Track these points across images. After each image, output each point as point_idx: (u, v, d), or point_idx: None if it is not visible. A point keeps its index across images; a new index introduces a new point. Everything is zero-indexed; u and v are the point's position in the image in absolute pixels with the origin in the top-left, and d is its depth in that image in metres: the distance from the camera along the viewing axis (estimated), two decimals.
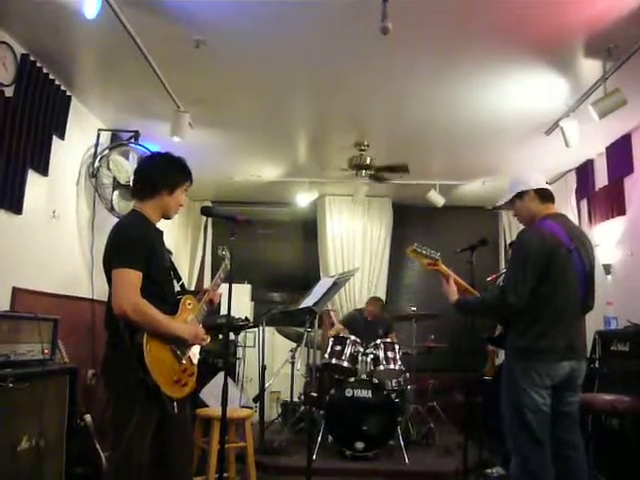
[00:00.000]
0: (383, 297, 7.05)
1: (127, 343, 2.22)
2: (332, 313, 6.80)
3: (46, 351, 3.17)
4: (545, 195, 2.83)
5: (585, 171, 5.48)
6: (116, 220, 4.55)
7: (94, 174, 4.50)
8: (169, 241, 2.66)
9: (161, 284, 2.44)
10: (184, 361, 2.43)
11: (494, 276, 4.83)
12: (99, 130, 4.72)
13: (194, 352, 2.53)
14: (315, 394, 4.21)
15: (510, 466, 2.73)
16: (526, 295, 2.58)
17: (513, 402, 2.65)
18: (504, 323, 2.87)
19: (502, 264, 7.30)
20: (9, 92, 3.45)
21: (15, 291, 3.54)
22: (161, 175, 2.54)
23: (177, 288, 2.63)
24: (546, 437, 2.59)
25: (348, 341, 5.19)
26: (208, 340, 2.55)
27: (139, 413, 2.25)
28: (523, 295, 2.58)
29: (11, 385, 2.69)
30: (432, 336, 6.11)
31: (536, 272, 2.59)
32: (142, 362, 2.21)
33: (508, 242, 7.22)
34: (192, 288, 6.75)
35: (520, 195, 2.87)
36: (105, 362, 2.42)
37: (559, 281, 2.63)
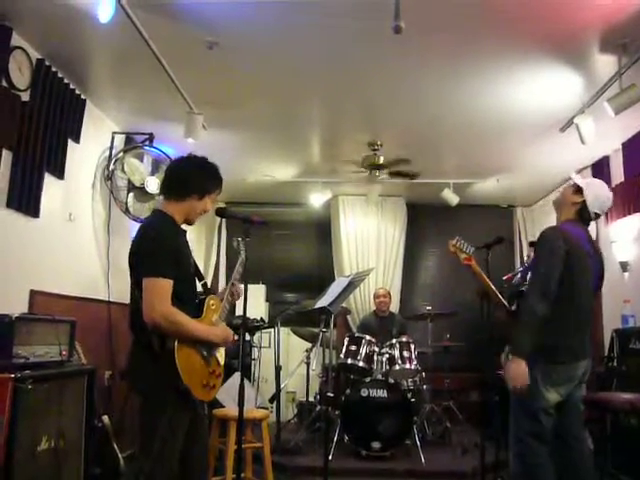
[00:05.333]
0: (398, 297, 7.05)
1: (157, 348, 2.22)
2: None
3: (64, 353, 3.20)
4: (583, 214, 2.84)
5: (601, 168, 5.42)
6: (131, 222, 4.66)
7: (109, 177, 4.54)
8: None
9: (186, 286, 2.41)
10: (212, 363, 2.42)
11: (510, 275, 4.79)
12: (114, 133, 4.75)
13: (221, 353, 2.52)
14: (331, 394, 4.21)
15: (510, 465, 2.73)
16: (554, 290, 2.58)
17: (526, 401, 2.62)
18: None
19: (518, 262, 7.24)
20: (25, 97, 3.48)
21: (33, 294, 3.58)
22: (194, 178, 2.51)
23: (199, 287, 2.61)
24: (550, 436, 2.62)
25: (363, 341, 5.19)
26: (235, 340, 2.54)
27: (169, 415, 2.24)
28: (552, 290, 2.58)
29: (30, 387, 2.71)
30: (448, 335, 6.09)
31: (559, 270, 2.61)
32: (174, 368, 2.20)
33: (524, 240, 7.18)
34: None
35: (576, 185, 2.88)
36: (133, 366, 2.40)
37: (579, 281, 2.67)
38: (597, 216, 2.89)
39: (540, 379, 2.59)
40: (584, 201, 2.83)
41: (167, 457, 2.23)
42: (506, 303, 3.03)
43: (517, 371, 2.55)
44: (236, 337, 2.55)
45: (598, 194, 2.85)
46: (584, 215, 2.85)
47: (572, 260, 2.65)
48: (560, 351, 2.62)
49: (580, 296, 2.69)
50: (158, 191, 4.53)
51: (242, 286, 2.72)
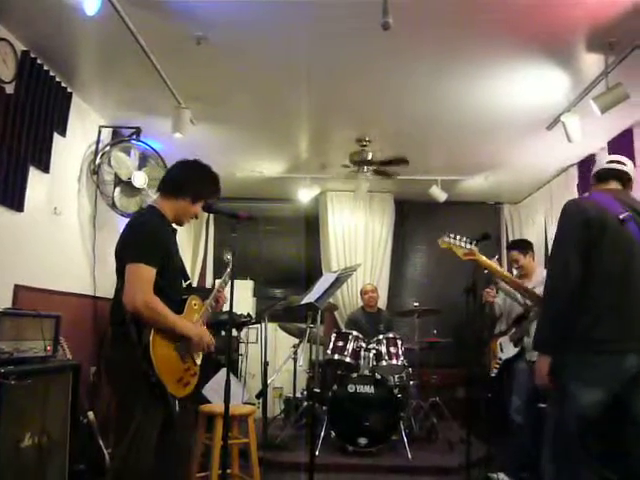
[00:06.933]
0: (385, 293, 7.06)
1: (134, 339, 2.24)
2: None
3: (49, 348, 3.18)
4: (602, 175, 2.55)
5: (587, 165, 5.45)
6: (118, 216, 4.63)
7: (95, 171, 4.50)
8: None
9: (170, 283, 2.44)
10: (187, 360, 2.45)
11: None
12: (100, 127, 4.71)
13: (198, 353, 2.54)
14: (318, 390, 4.21)
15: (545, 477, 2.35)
16: (575, 268, 2.22)
17: (557, 402, 2.28)
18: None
19: (504, 259, 7.27)
20: (10, 89, 3.44)
21: (17, 288, 3.55)
22: (192, 181, 2.58)
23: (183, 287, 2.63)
24: (592, 450, 2.17)
25: (351, 337, 5.19)
26: (213, 347, 2.54)
27: (143, 410, 2.26)
28: (571, 269, 2.22)
29: (14, 382, 2.69)
30: (435, 331, 6.11)
31: (580, 246, 2.24)
32: (148, 359, 2.22)
33: (510, 237, 7.21)
34: (194, 285, 6.75)
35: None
36: (109, 358, 2.44)
37: (611, 255, 2.24)
38: (619, 164, 2.53)
39: (569, 374, 2.20)
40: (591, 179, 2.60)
41: (140, 451, 2.25)
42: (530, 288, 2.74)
43: (539, 370, 2.33)
44: (213, 344, 2.55)
45: (600, 162, 2.63)
46: (602, 177, 2.53)
47: (595, 229, 2.24)
48: (593, 338, 2.18)
49: (615, 269, 2.23)
50: (145, 185, 4.52)
51: (226, 296, 2.76)
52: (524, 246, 4.44)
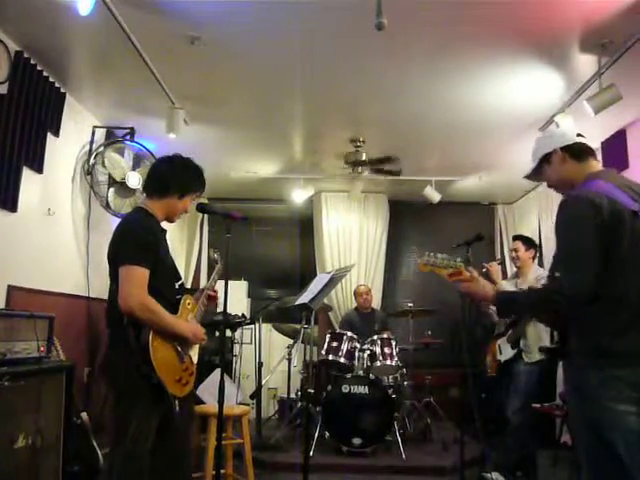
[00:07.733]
0: (380, 293, 7.07)
1: (132, 341, 2.24)
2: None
3: (42, 349, 3.16)
4: (579, 150, 2.18)
5: None
6: (111, 217, 4.62)
7: (89, 171, 4.49)
8: None
9: (163, 283, 2.44)
10: (185, 360, 2.45)
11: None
12: (94, 127, 4.69)
13: (194, 351, 2.55)
14: (312, 390, 4.21)
15: None
16: (591, 281, 1.88)
17: (591, 423, 1.93)
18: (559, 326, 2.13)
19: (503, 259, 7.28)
20: (3, 89, 3.43)
21: (10, 289, 3.53)
22: (176, 177, 2.56)
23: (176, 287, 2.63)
24: None
25: (345, 337, 5.19)
26: (205, 339, 2.56)
27: (141, 411, 2.26)
28: (587, 282, 1.88)
29: (7, 383, 2.68)
30: (429, 332, 6.13)
31: (598, 249, 1.90)
32: (147, 360, 2.22)
33: (505, 237, 7.23)
34: (188, 286, 6.74)
35: (547, 159, 2.26)
36: (107, 360, 2.44)
37: (631, 256, 1.92)
38: (584, 138, 2.23)
39: (604, 392, 1.88)
40: (558, 149, 2.21)
41: (138, 452, 2.25)
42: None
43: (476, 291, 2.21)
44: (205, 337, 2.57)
45: (555, 132, 2.35)
46: (579, 154, 2.18)
47: (611, 230, 1.90)
48: (615, 351, 1.89)
49: (634, 272, 1.91)
50: (139, 186, 4.52)
51: (219, 294, 2.76)
52: (529, 242, 4.51)
